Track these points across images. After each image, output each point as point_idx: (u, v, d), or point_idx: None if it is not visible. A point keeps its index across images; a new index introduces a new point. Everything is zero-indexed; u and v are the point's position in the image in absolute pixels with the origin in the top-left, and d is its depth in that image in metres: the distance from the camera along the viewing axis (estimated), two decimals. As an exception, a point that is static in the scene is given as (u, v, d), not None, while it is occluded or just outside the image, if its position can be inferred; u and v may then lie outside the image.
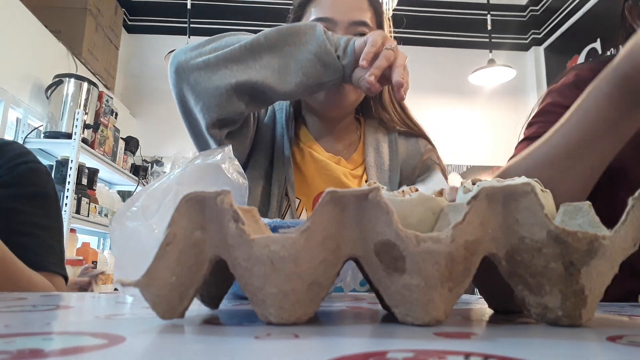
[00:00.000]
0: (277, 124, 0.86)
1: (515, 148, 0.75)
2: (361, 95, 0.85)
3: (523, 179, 0.30)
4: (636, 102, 0.50)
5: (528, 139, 0.72)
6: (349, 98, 0.82)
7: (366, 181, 0.82)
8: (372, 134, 0.88)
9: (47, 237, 0.73)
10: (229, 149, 0.53)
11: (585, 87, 0.73)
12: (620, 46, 0.78)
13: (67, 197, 2.42)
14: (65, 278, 0.75)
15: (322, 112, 0.86)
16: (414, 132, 0.90)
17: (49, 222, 0.75)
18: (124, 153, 3.28)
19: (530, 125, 0.77)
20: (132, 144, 3.41)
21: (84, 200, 2.60)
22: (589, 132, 0.54)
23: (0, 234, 0.66)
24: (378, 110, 0.91)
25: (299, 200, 0.80)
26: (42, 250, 0.71)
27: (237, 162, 0.51)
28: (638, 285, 0.65)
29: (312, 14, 0.82)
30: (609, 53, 3.39)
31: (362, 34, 0.80)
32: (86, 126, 2.65)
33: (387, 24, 0.90)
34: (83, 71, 3.03)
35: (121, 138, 3.21)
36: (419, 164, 0.86)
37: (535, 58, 4.27)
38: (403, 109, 0.92)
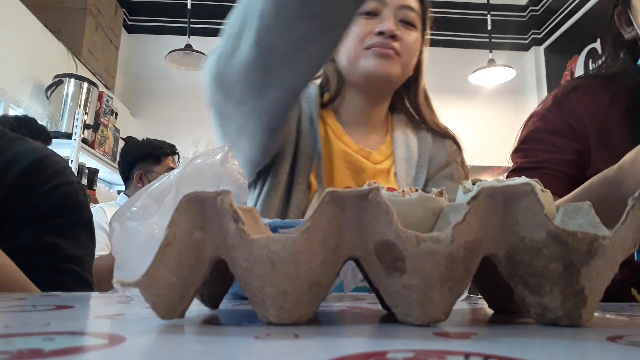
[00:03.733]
0: (304, 114, 0.81)
1: (507, 176, 0.75)
2: (405, 72, 0.83)
3: (523, 179, 0.30)
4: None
5: (520, 170, 0.73)
6: (394, 68, 0.80)
7: (395, 174, 0.81)
8: (400, 128, 0.87)
9: (81, 271, 0.71)
10: (229, 148, 0.53)
11: (564, 104, 0.74)
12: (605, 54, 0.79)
13: (67, 197, 2.42)
14: None
15: (366, 87, 0.83)
16: (442, 132, 0.90)
17: (83, 252, 0.72)
18: (124, 153, 3.27)
19: (517, 150, 0.78)
20: (132, 144, 3.41)
21: (84, 200, 2.60)
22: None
23: (38, 271, 0.63)
24: (409, 107, 0.90)
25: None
26: (77, 286, 0.69)
27: (237, 162, 0.51)
28: (631, 276, 0.66)
29: None
30: (593, 66, 3.39)
31: (408, 22, 0.81)
32: (86, 126, 2.65)
33: (430, 24, 0.90)
34: (83, 71, 3.03)
35: (121, 138, 3.22)
36: (444, 164, 0.85)
37: (535, 58, 4.27)
38: (432, 110, 0.92)
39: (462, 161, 0.89)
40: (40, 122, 2.23)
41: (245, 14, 0.56)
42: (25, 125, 1.76)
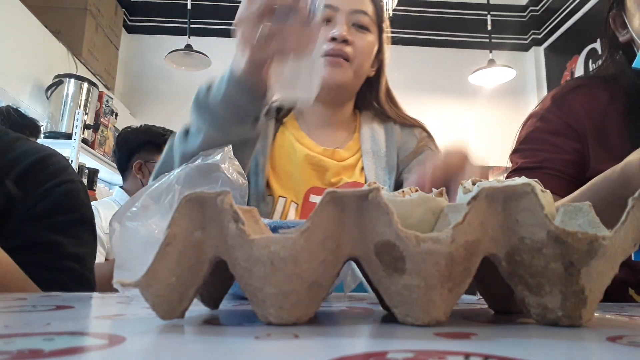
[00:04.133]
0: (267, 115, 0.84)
1: (507, 176, 0.75)
2: (358, 76, 0.85)
3: (523, 179, 0.30)
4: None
5: (521, 170, 0.73)
6: (346, 74, 0.82)
7: (362, 168, 0.83)
8: (367, 124, 0.90)
9: (82, 269, 0.71)
10: (228, 148, 0.53)
11: (563, 104, 0.74)
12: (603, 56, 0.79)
13: (67, 197, 2.42)
14: None
15: (321, 95, 0.84)
16: (410, 123, 0.92)
17: (84, 250, 0.72)
18: (124, 153, 3.27)
19: (516, 151, 0.78)
20: (132, 144, 3.41)
21: (84, 201, 2.60)
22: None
23: (38, 268, 0.64)
24: (373, 103, 0.93)
25: (284, 199, 0.79)
26: (78, 285, 0.69)
27: (237, 162, 0.51)
28: (629, 276, 0.66)
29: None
30: (593, 66, 3.39)
31: (362, 26, 0.83)
32: (86, 126, 2.65)
33: (387, 25, 0.91)
34: (83, 71, 3.03)
35: (120, 137, 3.22)
36: (415, 148, 0.87)
37: (535, 58, 4.27)
38: (397, 106, 0.94)
39: (436, 147, 0.90)
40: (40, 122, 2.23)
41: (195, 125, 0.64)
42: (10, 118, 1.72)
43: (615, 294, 0.65)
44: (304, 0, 0.54)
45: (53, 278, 0.66)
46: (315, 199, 0.80)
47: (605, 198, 0.52)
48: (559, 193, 0.65)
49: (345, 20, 0.82)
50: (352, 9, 0.83)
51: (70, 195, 0.72)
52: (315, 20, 0.55)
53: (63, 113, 2.61)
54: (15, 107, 1.79)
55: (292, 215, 0.79)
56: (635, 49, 0.70)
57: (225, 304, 0.38)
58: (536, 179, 0.30)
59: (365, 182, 0.80)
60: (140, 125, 1.91)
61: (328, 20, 0.83)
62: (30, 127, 1.73)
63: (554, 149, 0.73)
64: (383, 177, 0.82)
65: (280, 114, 0.89)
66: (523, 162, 0.75)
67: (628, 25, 0.71)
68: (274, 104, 0.88)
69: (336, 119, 0.89)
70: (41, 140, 2.60)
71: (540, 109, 0.78)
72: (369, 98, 0.93)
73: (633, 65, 0.67)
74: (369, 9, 0.85)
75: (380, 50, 0.90)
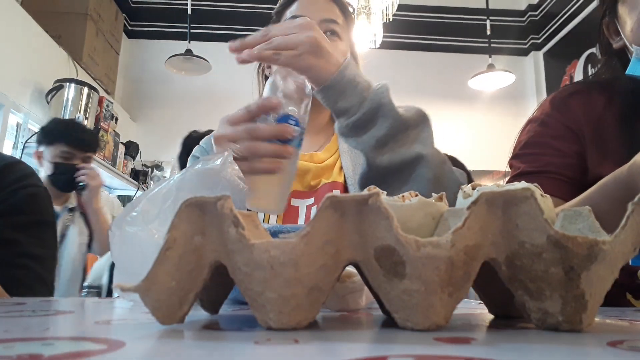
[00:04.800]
0: None
1: (508, 180, 0.76)
2: None
3: (523, 184, 0.30)
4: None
5: (524, 174, 0.73)
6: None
7: (341, 167, 0.84)
8: None
9: (39, 269, 0.72)
10: (228, 153, 0.53)
11: (563, 108, 0.75)
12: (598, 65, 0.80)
13: (67, 201, 2.42)
14: None
15: None
16: None
17: (43, 252, 0.74)
18: (124, 158, 3.28)
19: (517, 156, 0.78)
20: (132, 149, 3.41)
21: (84, 205, 2.60)
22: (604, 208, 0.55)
23: None
24: None
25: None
26: (33, 283, 0.70)
27: (237, 167, 0.51)
28: (627, 280, 0.66)
29: (286, 16, 0.87)
30: (592, 70, 3.40)
31: (333, 32, 0.85)
32: (86, 131, 2.65)
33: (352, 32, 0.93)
34: (83, 76, 3.04)
35: (121, 143, 3.22)
36: None
37: (535, 63, 4.28)
38: None
39: None
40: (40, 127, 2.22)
41: None
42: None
43: (613, 299, 0.65)
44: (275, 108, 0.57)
45: (9, 273, 0.67)
46: (296, 202, 0.81)
47: (613, 198, 0.52)
48: (562, 197, 0.66)
49: None
50: (322, 18, 0.84)
51: (34, 198, 0.75)
52: (295, 139, 0.58)
53: (63, 117, 2.61)
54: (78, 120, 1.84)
55: (273, 221, 0.80)
56: (629, 55, 0.70)
57: (225, 309, 0.38)
58: (536, 184, 0.30)
59: (344, 180, 0.80)
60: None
61: None
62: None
63: (556, 153, 0.73)
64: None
65: None
66: (525, 167, 0.75)
67: (620, 32, 0.72)
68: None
69: (313, 125, 0.90)
70: (41, 145, 2.60)
71: (539, 114, 0.78)
72: None
73: (627, 71, 0.68)
74: (338, 16, 0.87)
75: (352, 55, 0.91)
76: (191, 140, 1.93)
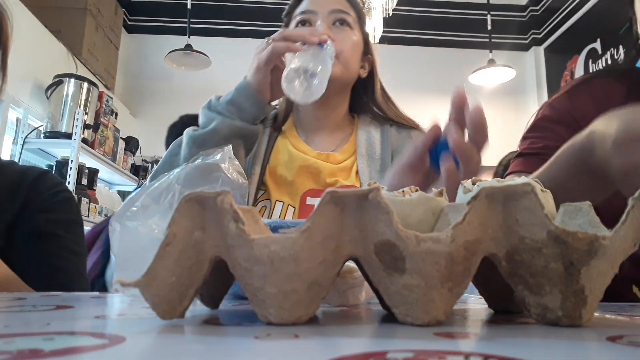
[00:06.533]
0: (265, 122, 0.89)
1: (512, 161, 0.76)
2: (348, 70, 0.86)
3: (523, 179, 0.30)
4: (589, 173, 0.50)
5: (522, 155, 0.74)
6: (335, 69, 0.81)
7: (357, 171, 0.84)
8: (364, 127, 0.91)
9: (78, 263, 0.78)
10: (228, 148, 0.53)
11: (574, 95, 0.75)
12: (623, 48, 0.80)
13: (67, 197, 2.42)
14: None
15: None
16: (408, 124, 0.93)
17: (80, 249, 0.80)
18: (124, 153, 3.28)
19: (524, 139, 0.79)
20: (132, 144, 3.41)
21: (84, 201, 2.61)
22: (561, 179, 0.54)
23: (40, 255, 0.72)
24: (370, 106, 0.94)
25: (281, 204, 0.82)
26: (74, 274, 0.76)
27: (237, 162, 0.51)
28: (633, 272, 0.66)
29: (296, 14, 0.88)
30: (593, 66, 3.39)
31: (343, 21, 0.85)
32: (86, 126, 2.65)
33: (367, 24, 0.94)
34: (83, 71, 3.03)
35: (121, 138, 3.22)
36: None
37: (535, 58, 4.27)
38: (393, 106, 0.95)
39: None
40: (40, 122, 2.23)
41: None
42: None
43: (619, 291, 0.65)
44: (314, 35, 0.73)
45: (53, 263, 0.73)
46: (312, 201, 0.81)
47: (571, 165, 0.53)
48: None
49: (325, 21, 0.84)
50: (331, 9, 0.85)
51: (70, 202, 0.83)
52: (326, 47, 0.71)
53: (63, 113, 2.61)
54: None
55: (289, 217, 0.80)
56: None
57: (225, 304, 0.38)
58: (536, 179, 0.30)
59: (360, 186, 0.81)
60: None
61: (309, 24, 0.85)
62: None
63: (556, 137, 0.73)
64: (377, 179, 0.83)
65: (277, 123, 0.91)
66: (525, 148, 0.76)
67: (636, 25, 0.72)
68: (271, 112, 0.91)
69: (330, 121, 0.90)
70: (41, 140, 2.60)
71: (553, 98, 0.79)
72: (365, 100, 0.94)
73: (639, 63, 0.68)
74: (347, 8, 0.87)
75: (369, 52, 0.91)
76: (181, 126, 1.91)
